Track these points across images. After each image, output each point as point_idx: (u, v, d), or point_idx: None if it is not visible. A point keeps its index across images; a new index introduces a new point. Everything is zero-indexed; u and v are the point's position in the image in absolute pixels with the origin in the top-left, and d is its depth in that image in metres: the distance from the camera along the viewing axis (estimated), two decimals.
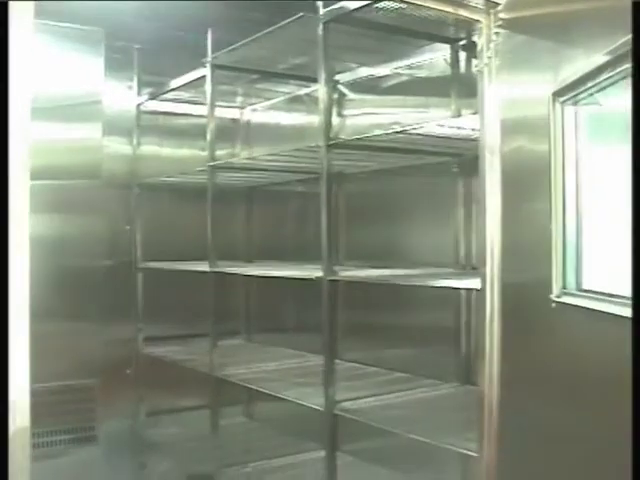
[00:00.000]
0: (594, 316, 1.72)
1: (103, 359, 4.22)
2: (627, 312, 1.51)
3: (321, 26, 3.05)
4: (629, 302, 1.52)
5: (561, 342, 1.92)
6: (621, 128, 1.67)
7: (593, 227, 1.88)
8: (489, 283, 2.33)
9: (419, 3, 2.14)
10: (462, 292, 3.31)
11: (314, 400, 3.17)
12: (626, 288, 1.58)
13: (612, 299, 1.67)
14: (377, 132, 3.00)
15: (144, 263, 4.52)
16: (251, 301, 4.91)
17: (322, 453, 3.20)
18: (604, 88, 1.74)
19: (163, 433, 4.49)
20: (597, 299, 1.75)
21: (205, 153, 3.98)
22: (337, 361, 3.29)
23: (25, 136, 1.66)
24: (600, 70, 1.69)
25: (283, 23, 3.25)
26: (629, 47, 1.50)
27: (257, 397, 4.63)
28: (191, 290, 4.24)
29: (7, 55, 1.62)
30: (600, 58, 1.65)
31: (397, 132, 2.82)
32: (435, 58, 3.51)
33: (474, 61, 2.45)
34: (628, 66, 1.56)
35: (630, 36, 1.46)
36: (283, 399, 3.42)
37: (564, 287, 1.93)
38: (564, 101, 1.91)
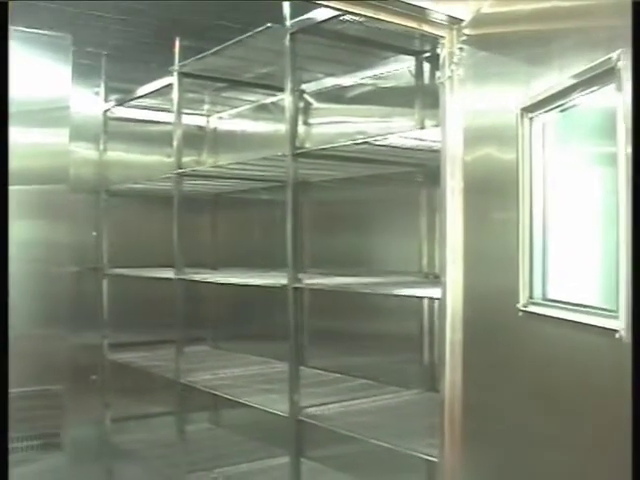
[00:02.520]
0: (560, 325, 1.78)
1: (69, 365, 4.19)
2: (594, 321, 1.59)
3: (288, 37, 3.10)
4: (596, 312, 1.61)
5: (527, 350, 1.98)
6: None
7: (558, 238, 1.94)
8: (450, 292, 2.38)
9: (383, 19, 2.18)
10: (425, 300, 3.36)
11: (279, 406, 3.21)
12: (591, 297, 1.68)
13: (579, 308, 1.73)
14: (342, 142, 3.05)
15: (110, 269, 4.53)
16: (217, 308, 4.94)
17: (287, 459, 3.23)
18: (568, 109, 1.81)
19: (129, 439, 4.49)
20: (564, 308, 1.80)
21: (171, 159, 4.00)
22: (302, 368, 3.33)
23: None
24: (567, 92, 1.76)
25: (250, 33, 3.28)
26: (596, 72, 1.58)
27: (223, 404, 4.65)
28: (157, 297, 4.25)
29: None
30: (567, 80, 1.72)
31: (362, 143, 2.87)
32: (400, 69, 3.56)
33: (437, 73, 2.50)
34: (595, 88, 1.65)
35: (598, 61, 1.55)
36: (248, 405, 3.44)
37: (531, 297, 1.98)
38: (532, 117, 1.96)
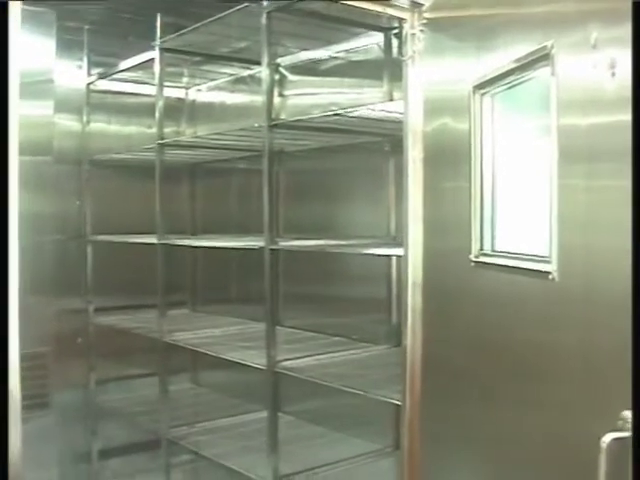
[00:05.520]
0: (506, 271, 2.04)
1: (55, 329, 4.31)
2: (533, 266, 1.86)
3: (264, 15, 3.26)
4: (535, 258, 1.88)
5: (477, 296, 2.23)
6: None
7: (505, 199, 2.18)
8: (411, 251, 2.60)
9: (350, 3, 2.38)
10: (393, 263, 3.56)
11: (257, 360, 3.41)
12: (531, 247, 1.94)
13: (521, 256, 1.99)
14: (315, 113, 3.23)
15: (94, 237, 4.66)
16: (196, 274, 5.11)
17: (266, 414, 3.43)
18: (515, 85, 2.04)
19: (114, 399, 4.66)
20: (509, 257, 2.06)
21: (151, 130, 4.16)
22: (278, 328, 3.52)
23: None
24: (510, 73, 2.00)
25: (228, 12, 3.42)
26: (533, 57, 1.82)
27: (203, 365, 4.84)
28: (139, 263, 4.40)
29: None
30: (510, 64, 1.95)
31: (334, 114, 3.05)
32: (370, 44, 3.73)
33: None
34: (532, 72, 1.89)
35: (535, 48, 1.79)
36: (228, 365, 3.64)
37: (481, 249, 2.23)
38: (483, 93, 2.19)
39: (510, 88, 2.04)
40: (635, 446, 1.42)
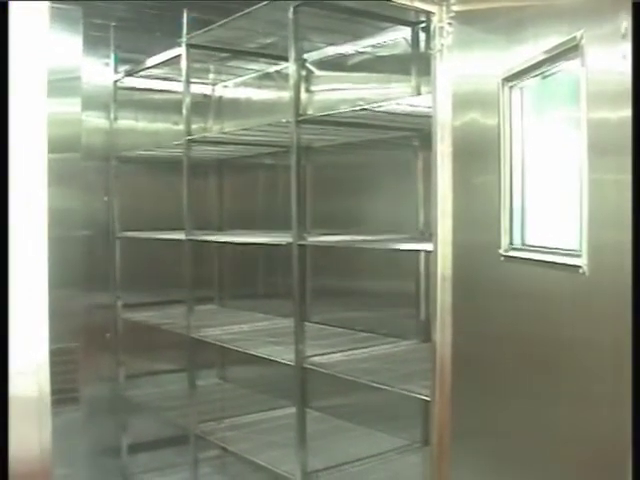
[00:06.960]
0: (536, 265, 2.03)
1: (84, 324, 4.35)
2: (563, 260, 1.85)
3: (292, 10, 3.26)
4: (565, 252, 1.87)
5: (507, 290, 2.22)
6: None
7: (535, 193, 2.17)
8: (440, 245, 2.59)
9: None
10: (422, 258, 3.55)
11: (285, 356, 3.41)
12: (562, 241, 1.92)
13: (552, 250, 1.97)
14: (343, 108, 3.22)
15: (122, 233, 4.69)
16: (223, 269, 5.12)
17: (293, 409, 3.43)
18: (546, 77, 2.02)
19: (142, 393, 4.69)
20: (539, 251, 2.04)
21: (178, 127, 4.16)
22: (306, 323, 3.51)
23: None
24: (540, 64, 1.97)
25: (255, 7, 3.42)
26: (563, 48, 1.80)
27: (230, 360, 4.86)
28: (166, 259, 4.45)
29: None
30: (540, 55, 1.94)
31: (361, 109, 3.05)
32: (397, 38, 3.72)
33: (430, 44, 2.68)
34: (561, 63, 1.88)
35: (565, 39, 1.77)
36: (255, 361, 3.65)
37: (511, 243, 2.21)
38: (512, 86, 2.18)
39: (539, 80, 2.02)
40: (635, 445, 1.41)
